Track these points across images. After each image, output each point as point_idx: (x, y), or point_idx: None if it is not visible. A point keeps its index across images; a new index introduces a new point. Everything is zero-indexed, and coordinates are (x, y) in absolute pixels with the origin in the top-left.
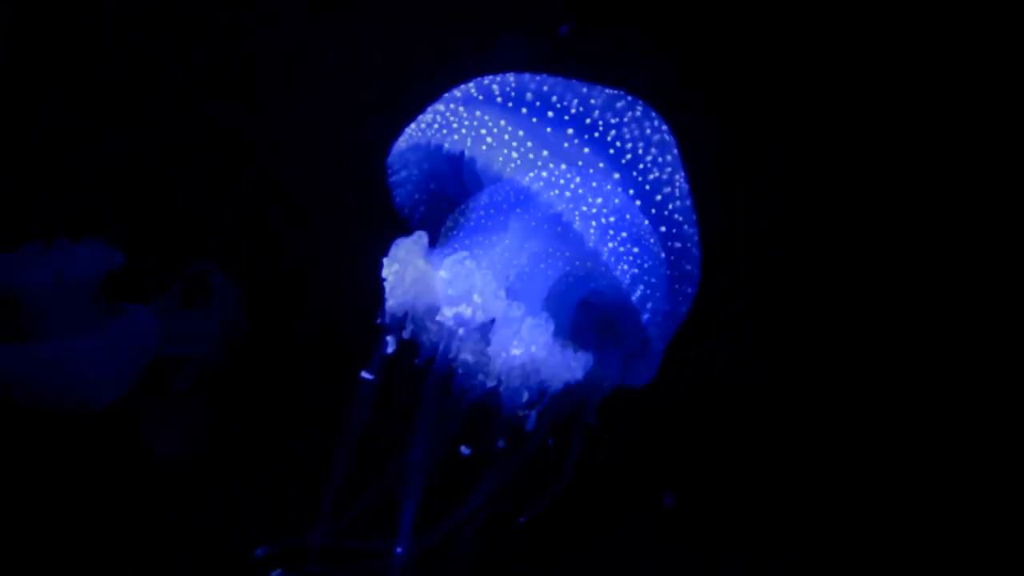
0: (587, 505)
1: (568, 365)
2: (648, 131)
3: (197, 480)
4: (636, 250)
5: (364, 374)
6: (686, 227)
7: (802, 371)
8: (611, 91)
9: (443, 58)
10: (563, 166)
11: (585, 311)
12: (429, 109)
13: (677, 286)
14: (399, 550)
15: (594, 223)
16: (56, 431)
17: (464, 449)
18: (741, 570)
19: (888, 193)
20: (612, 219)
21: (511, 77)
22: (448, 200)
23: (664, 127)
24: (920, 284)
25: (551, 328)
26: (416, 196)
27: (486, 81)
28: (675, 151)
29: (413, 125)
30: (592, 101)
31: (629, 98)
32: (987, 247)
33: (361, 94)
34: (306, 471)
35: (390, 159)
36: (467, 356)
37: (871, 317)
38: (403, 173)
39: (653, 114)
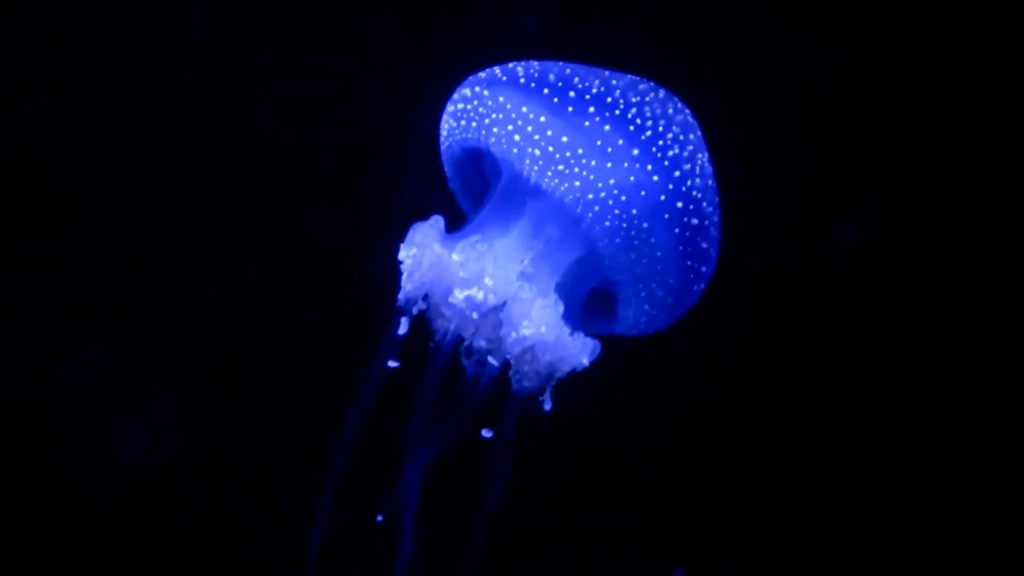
0: (586, 506)
1: (576, 350)
2: (670, 111)
3: (197, 479)
4: (646, 225)
5: (389, 363)
6: (705, 205)
7: (802, 372)
8: (633, 76)
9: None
10: (580, 150)
11: (599, 301)
12: (456, 94)
13: (690, 263)
14: (403, 549)
15: (597, 207)
16: (45, 433)
17: (486, 432)
18: (741, 570)
19: (896, 196)
20: (623, 199)
21: (535, 62)
22: (471, 188)
23: (687, 110)
24: (923, 285)
25: (561, 309)
26: (461, 189)
27: (510, 65)
28: (698, 133)
29: (446, 117)
30: (614, 83)
31: (651, 83)
32: (987, 249)
33: (361, 88)
34: (306, 470)
35: (443, 159)
36: (480, 342)
37: (873, 319)
38: (448, 168)
39: (676, 98)
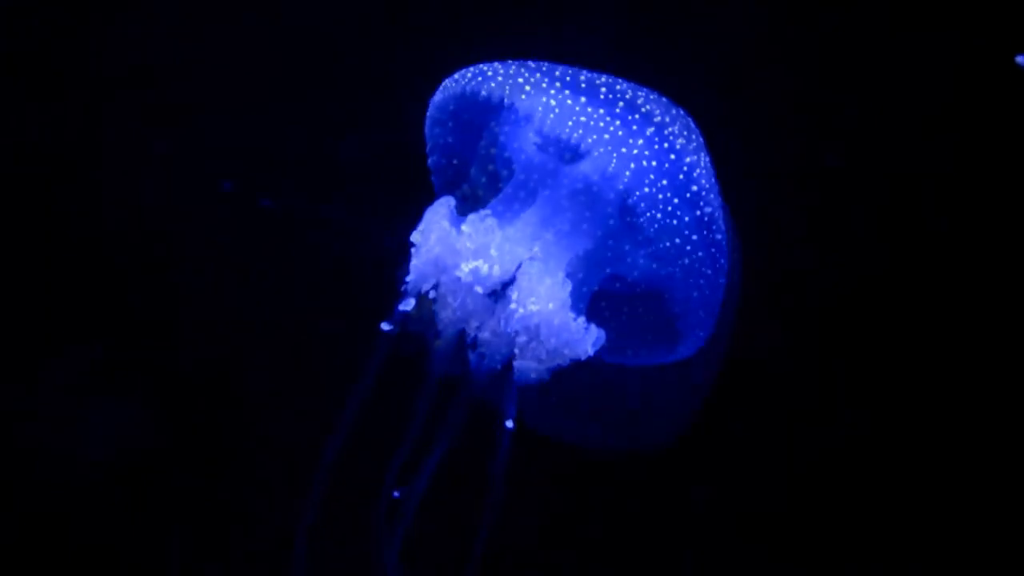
0: (581, 505)
1: (580, 335)
2: (674, 111)
3: (187, 479)
4: (676, 200)
5: (384, 325)
6: (713, 198)
7: (800, 375)
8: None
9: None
10: (602, 110)
11: (602, 302)
12: (458, 73)
13: (713, 250)
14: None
15: (633, 164)
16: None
17: (509, 423)
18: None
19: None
20: (653, 163)
21: (542, 64)
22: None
23: (689, 116)
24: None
25: (569, 288)
26: (447, 174)
27: (515, 60)
28: (700, 137)
29: (448, 80)
30: (618, 80)
31: (651, 89)
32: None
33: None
34: (298, 471)
35: (428, 119)
36: (485, 334)
37: (872, 326)
38: (438, 132)
39: (677, 105)
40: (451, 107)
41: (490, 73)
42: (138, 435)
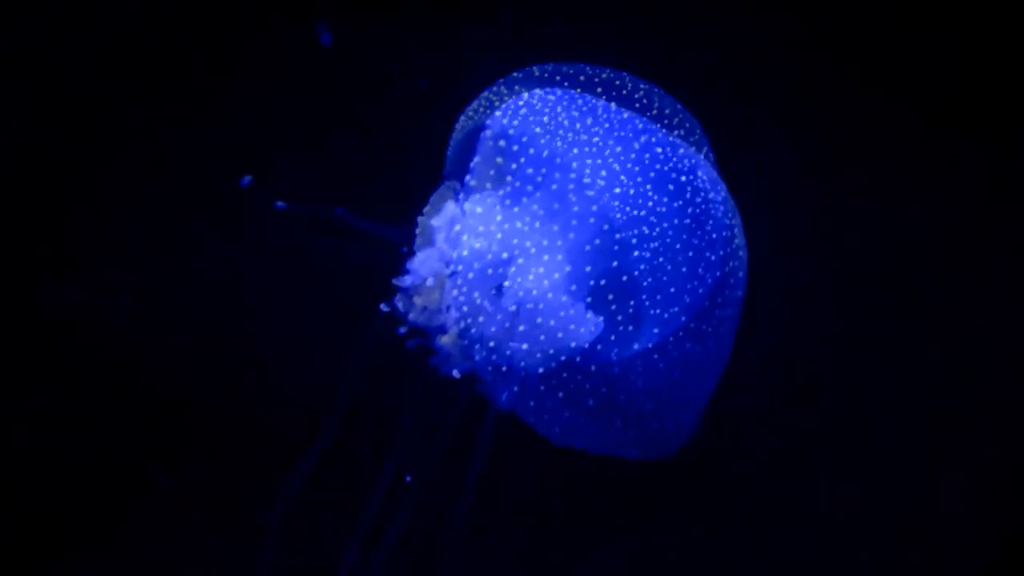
0: (581, 505)
1: (578, 320)
2: (676, 106)
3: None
4: (648, 192)
5: (382, 306)
6: (709, 191)
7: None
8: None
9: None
10: (588, 120)
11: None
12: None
13: (696, 241)
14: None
15: (605, 172)
16: None
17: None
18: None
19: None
20: (629, 166)
21: (547, 66)
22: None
23: (688, 112)
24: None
25: (568, 270)
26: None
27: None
28: (700, 131)
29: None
30: (620, 75)
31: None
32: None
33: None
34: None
35: (447, 158)
36: (488, 329)
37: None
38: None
39: (678, 102)
40: (464, 148)
41: (490, 106)
42: (137, 435)
